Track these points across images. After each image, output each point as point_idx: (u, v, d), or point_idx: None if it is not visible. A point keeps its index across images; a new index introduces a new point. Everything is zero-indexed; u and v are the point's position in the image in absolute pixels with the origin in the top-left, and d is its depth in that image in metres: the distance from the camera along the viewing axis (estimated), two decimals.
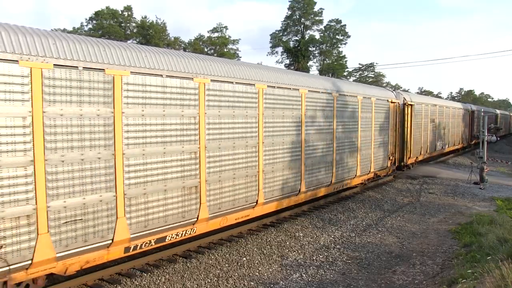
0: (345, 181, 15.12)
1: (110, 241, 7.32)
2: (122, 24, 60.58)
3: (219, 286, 7.96)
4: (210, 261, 8.97)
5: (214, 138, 9.30)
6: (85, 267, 7.17)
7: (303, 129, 12.34)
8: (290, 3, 66.58)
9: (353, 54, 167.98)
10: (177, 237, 8.71)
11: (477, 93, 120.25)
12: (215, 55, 58.47)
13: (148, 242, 8.09)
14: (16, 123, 6.05)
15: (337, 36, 68.95)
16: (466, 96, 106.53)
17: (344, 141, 14.77)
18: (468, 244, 10.35)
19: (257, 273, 8.69)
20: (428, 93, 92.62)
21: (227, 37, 66.89)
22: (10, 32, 6.07)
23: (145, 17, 61.64)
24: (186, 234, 8.94)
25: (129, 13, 60.86)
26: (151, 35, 58.66)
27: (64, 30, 54.13)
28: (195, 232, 9.15)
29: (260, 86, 10.63)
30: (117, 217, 7.37)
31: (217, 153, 9.39)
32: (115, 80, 7.26)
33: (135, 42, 58.76)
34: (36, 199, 6.25)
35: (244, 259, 9.30)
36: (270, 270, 8.93)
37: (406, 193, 17.72)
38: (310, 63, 68.52)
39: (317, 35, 68.10)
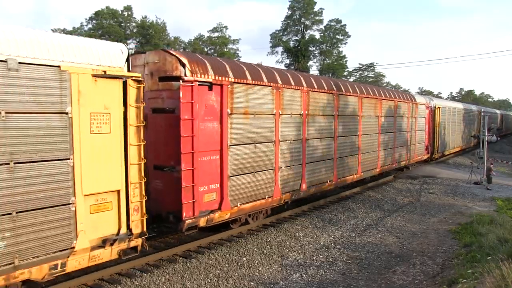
0: (455, 148, 33.20)
1: None
2: (122, 24, 60.48)
3: (219, 286, 7.96)
4: (210, 261, 8.96)
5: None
6: None
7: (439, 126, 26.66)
8: (290, 3, 66.46)
9: (353, 54, 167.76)
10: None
11: (477, 93, 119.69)
12: (215, 55, 58.43)
13: None
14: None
15: (337, 36, 68.76)
16: (466, 96, 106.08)
17: (459, 130, 33.31)
18: (468, 244, 10.35)
19: (257, 273, 8.68)
20: (428, 93, 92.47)
21: (227, 37, 66.77)
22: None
23: (145, 17, 61.53)
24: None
25: (129, 13, 60.74)
26: (151, 35, 58.57)
27: (64, 30, 54.22)
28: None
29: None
30: None
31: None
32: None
33: (135, 42, 58.83)
34: None
35: (244, 259, 9.29)
36: (270, 270, 8.93)
37: (406, 193, 17.72)
38: (310, 63, 68.39)
39: (317, 35, 67.99)
